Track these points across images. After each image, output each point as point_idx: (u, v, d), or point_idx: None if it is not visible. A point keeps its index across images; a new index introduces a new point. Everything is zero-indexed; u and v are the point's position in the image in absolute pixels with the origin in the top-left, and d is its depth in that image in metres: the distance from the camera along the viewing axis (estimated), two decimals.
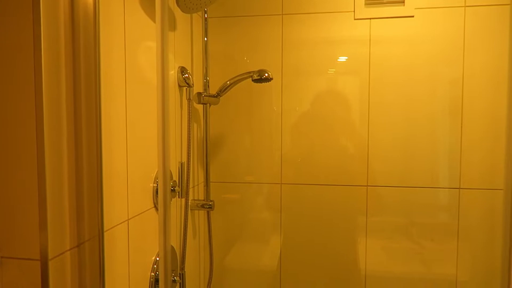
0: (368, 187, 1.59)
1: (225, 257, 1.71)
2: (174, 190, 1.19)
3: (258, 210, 1.69)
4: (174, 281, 1.14)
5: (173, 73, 1.33)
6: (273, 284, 1.67)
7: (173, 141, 1.34)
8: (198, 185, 1.60)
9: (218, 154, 1.69)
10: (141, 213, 1.08)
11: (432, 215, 1.56)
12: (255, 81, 1.40)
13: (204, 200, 1.52)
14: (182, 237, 1.37)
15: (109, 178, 0.91)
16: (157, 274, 1.09)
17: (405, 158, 1.56)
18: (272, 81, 1.48)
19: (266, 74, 1.39)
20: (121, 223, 0.98)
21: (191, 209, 1.50)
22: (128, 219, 1.01)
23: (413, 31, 1.53)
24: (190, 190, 1.51)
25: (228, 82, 1.47)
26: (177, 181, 1.22)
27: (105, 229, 0.89)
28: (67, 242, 0.76)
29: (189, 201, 1.49)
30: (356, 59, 1.57)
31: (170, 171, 1.27)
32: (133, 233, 1.03)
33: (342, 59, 1.58)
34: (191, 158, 1.51)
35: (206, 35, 1.51)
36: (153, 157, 1.20)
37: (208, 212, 1.55)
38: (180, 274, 1.23)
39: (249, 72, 1.41)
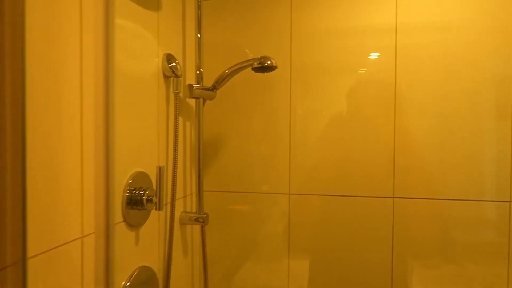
0: (395, 198, 1.32)
1: (224, 277, 1.47)
2: (151, 200, 0.97)
3: (263, 224, 1.44)
4: None
5: (157, 61, 1.12)
6: None
7: (155, 141, 1.12)
8: (191, 194, 1.37)
9: (215, 157, 1.46)
10: None
11: (475, 233, 1.28)
12: (256, 70, 1.18)
13: (196, 212, 1.29)
14: (166, 257, 1.14)
15: (55, 188, 0.71)
16: None
17: (440, 167, 1.29)
18: (279, 74, 1.25)
19: (269, 62, 1.16)
20: (72, 241, 0.77)
21: (181, 223, 1.27)
22: (83, 236, 0.80)
23: (448, 14, 1.27)
24: (181, 201, 1.29)
25: (226, 71, 1.25)
26: (156, 190, 1.00)
27: (48, 248, 0.70)
28: None
29: (179, 214, 1.27)
30: (379, 50, 1.32)
31: (149, 177, 1.05)
32: (90, 252, 0.82)
33: (361, 49, 1.33)
34: (182, 162, 1.29)
35: (199, 21, 1.29)
36: (124, 160, 0.99)
37: (202, 227, 1.32)
38: None
39: (249, 60, 1.19)
